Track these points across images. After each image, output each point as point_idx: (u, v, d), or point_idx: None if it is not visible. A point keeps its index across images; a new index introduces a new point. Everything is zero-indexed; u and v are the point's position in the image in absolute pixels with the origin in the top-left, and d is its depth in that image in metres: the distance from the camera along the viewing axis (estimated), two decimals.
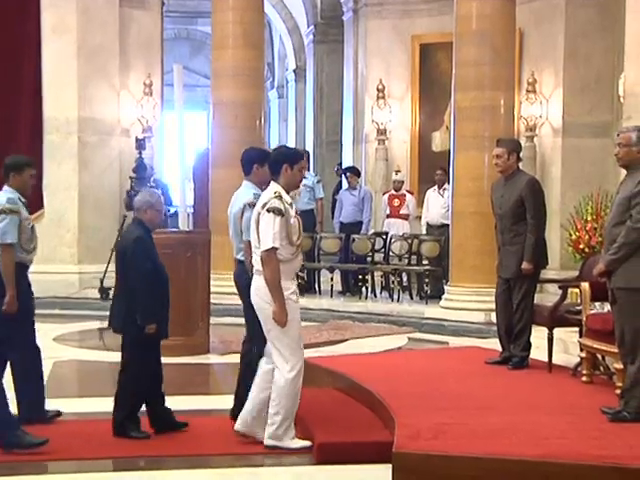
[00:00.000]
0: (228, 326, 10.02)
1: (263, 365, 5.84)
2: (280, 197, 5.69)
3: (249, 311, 5.94)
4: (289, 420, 5.70)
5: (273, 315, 5.60)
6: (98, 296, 12.26)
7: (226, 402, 6.41)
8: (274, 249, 5.59)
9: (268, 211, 5.63)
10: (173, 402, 6.21)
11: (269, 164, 5.91)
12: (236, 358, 6.72)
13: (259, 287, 5.69)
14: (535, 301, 7.74)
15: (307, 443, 5.69)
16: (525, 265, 7.53)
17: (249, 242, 5.91)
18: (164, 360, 6.19)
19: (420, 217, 13.45)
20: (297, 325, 5.74)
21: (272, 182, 5.81)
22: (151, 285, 5.93)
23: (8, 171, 6.31)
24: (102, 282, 12.20)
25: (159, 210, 6.20)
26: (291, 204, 5.79)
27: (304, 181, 12.90)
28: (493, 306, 8.04)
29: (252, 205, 5.98)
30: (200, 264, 8.87)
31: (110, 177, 13.49)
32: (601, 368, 7.29)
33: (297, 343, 5.71)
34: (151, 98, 13.93)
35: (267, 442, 5.71)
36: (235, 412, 6.08)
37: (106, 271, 12.05)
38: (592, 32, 12.64)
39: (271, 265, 5.59)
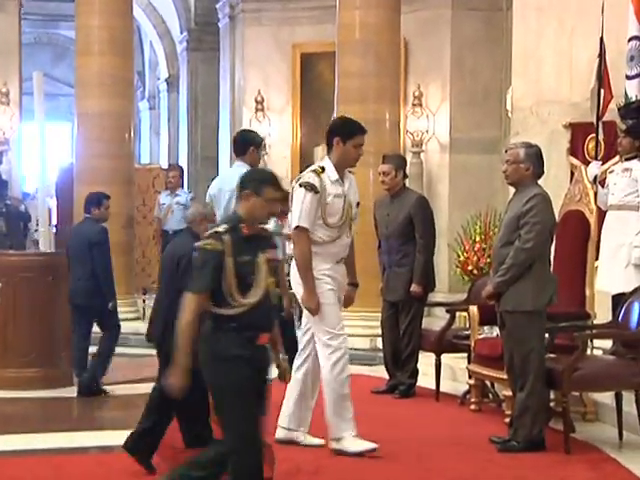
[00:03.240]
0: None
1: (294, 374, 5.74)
2: (319, 173, 5.48)
3: None
4: (338, 417, 5.60)
5: (302, 301, 5.44)
6: None
7: (91, 439, 6.28)
8: (302, 229, 5.40)
9: (300, 186, 5.45)
10: (32, 440, 6.05)
11: (326, 135, 5.75)
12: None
13: (294, 270, 5.61)
14: (422, 326, 7.86)
15: (372, 445, 5.56)
16: (415, 287, 7.64)
17: None
18: (20, 395, 6.03)
19: None
20: (334, 310, 5.60)
21: (326, 156, 5.66)
22: None
23: None
24: None
25: (213, 222, 6.28)
26: (337, 181, 5.56)
27: (177, 199, 12.95)
28: (379, 331, 8.14)
29: None
30: (63, 289, 8.68)
31: None
32: (490, 395, 7.45)
33: (335, 328, 5.61)
34: (8, 108, 13.63)
35: (332, 445, 5.66)
36: None
37: None
38: (479, 44, 12.97)
39: (299, 245, 5.41)
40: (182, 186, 13.89)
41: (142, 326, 10.82)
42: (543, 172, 6.07)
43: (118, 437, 5.83)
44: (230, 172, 7.02)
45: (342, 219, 5.55)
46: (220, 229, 4.28)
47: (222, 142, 16.31)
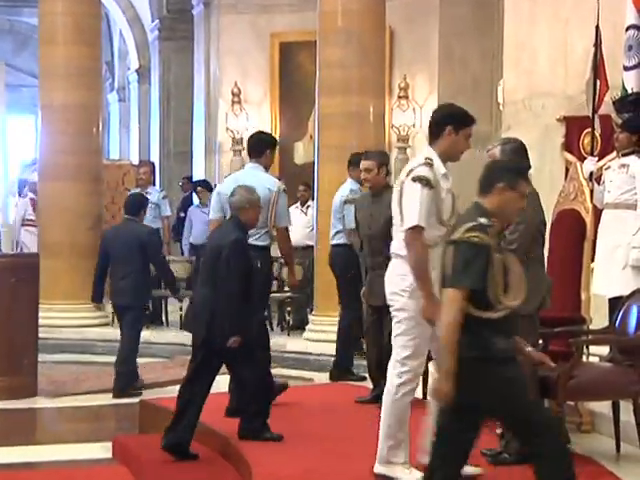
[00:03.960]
0: (60, 364, 9.78)
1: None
2: (431, 165, 5.23)
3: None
4: (393, 440, 5.47)
5: (422, 312, 5.11)
6: None
7: (57, 453, 6.25)
8: (419, 228, 5.13)
9: (413, 180, 5.16)
10: None
11: (430, 125, 5.50)
12: (70, 401, 6.58)
13: (393, 273, 5.33)
14: None
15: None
16: None
17: (282, 229, 6.57)
18: None
19: None
20: (426, 330, 5.25)
21: (427, 146, 5.45)
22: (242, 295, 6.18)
23: None
24: None
25: (261, 208, 6.51)
26: (445, 175, 5.36)
27: (148, 197, 12.90)
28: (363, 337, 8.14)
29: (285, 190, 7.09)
30: (26, 293, 8.64)
31: None
32: None
33: (418, 350, 5.33)
34: None
35: (376, 469, 5.46)
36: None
37: None
38: (468, 33, 13.00)
39: (416, 248, 5.10)
40: (154, 184, 13.87)
41: (111, 332, 10.81)
42: (528, 165, 6.03)
43: (83, 450, 5.82)
44: (245, 174, 7.35)
45: (451, 217, 5.30)
46: (483, 221, 4.12)
47: (196, 137, 16.30)
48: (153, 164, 14.61)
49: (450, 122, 5.40)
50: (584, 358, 6.82)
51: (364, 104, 11.10)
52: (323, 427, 6.85)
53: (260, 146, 7.28)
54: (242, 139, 14.81)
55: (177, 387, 6.45)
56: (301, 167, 14.45)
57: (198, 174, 15.72)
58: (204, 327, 6.21)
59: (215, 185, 14.05)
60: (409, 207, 5.19)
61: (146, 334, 11.90)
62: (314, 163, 11.60)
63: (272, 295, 12.47)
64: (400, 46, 13.50)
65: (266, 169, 7.37)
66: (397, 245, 5.38)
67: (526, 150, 6.10)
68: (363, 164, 7.96)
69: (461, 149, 5.49)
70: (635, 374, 6.10)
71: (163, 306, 12.99)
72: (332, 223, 9.63)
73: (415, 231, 5.16)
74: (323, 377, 9.86)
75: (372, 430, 6.84)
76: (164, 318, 12.94)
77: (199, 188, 13.62)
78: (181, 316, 12.55)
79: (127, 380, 8.66)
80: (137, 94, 21.58)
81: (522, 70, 9.69)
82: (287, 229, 7.52)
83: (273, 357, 10.80)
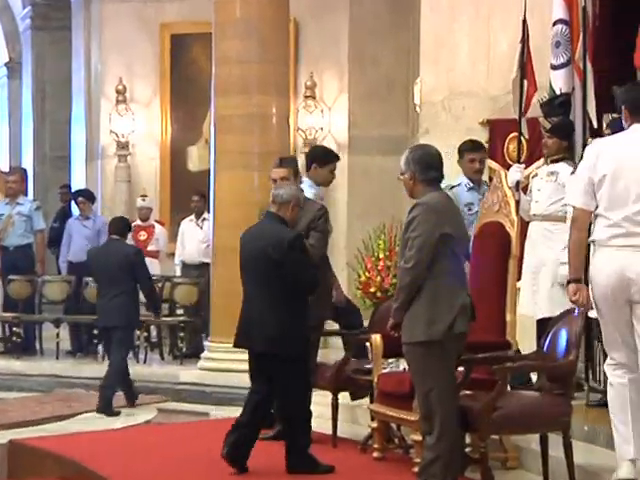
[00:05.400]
0: None
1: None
2: None
3: None
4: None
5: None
6: None
7: None
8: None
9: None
10: None
11: None
12: None
13: None
14: (317, 359, 7.90)
15: None
16: None
17: None
18: None
19: (173, 254, 13.45)
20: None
21: None
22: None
23: None
24: None
25: (301, 209, 7.09)
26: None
27: (18, 208, 12.77)
28: None
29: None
30: None
31: None
32: (396, 440, 7.53)
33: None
34: None
35: None
36: None
37: None
38: (382, 28, 13.13)
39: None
40: (25, 193, 13.71)
41: None
42: (435, 175, 6.09)
43: None
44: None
45: None
46: None
47: (75, 140, 16.14)
48: (25, 171, 14.45)
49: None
50: (509, 387, 6.93)
51: (266, 104, 11.13)
52: (215, 468, 6.83)
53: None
54: (128, 143, 14.73)
55: (57, 424, 6.39)
56: (196, 175, 14.42)
57: (78, 182, 15.56)
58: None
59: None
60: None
61: (16, 365, 11.79)
62: (210, 170, 11.59)
63: (163, 319, 12.45)
64: (306, 40, 13.56)
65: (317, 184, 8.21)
66: None
67: (437, 158, 6.14)
68: (276, 172, 8.01)
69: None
70: (566, 404, 6.20)
71: (37, 333, 12.83)
72: None
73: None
74: (221, 411, 9.86)
75: (273, 470, 6.86)
76: (38, 346, 12.77)
77: (80, 198, 13.49)
78: (57, 344, 12.43)
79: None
80: (7, 91, 21.29)
81: (441, 68, 9.83)
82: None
83: (164, 390, 10.84)
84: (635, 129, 5.83)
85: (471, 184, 8.48)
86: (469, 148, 8.56)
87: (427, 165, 6.06)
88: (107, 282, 10.07)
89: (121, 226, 10.37)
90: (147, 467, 6.87)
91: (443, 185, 6.30)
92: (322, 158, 8.36)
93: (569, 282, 5.85)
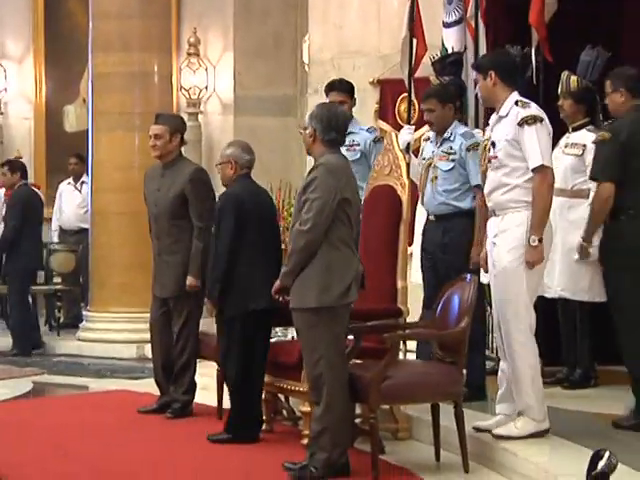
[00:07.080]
0: None
1: None
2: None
3: None
4: None
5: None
6: None
7: None
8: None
9: (529, 124, 6.09)
10: None
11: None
12: None
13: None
14: (202, 328, 7.87)
15: None
16: (190, 280, 7.63)
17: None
18: None
19: (50, 219, 13.26)
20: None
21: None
22: None
23: None
24: None
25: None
26: None
27: None
28: (148, 336, 8.09)
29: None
30: None
31: None
32: (284, 412, 7.55)
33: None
34: None
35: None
36: None
37: None
38: None
39: (547, 188, 6.15)
40: None
41: None
42: (336, 137, 6.09)
43: None
44: None
45: None
46: None
47: None
48: None
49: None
50: (400, 355, 6.98)
51: (147, 62, 11.04)
52: (97, 445, 6.86)
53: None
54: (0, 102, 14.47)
55: None
56: (73, 136, 14.20)
57: None
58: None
59: None
60: (534, 148, 6.08)
61: None
62: (88, 131, 11.44)
63: (38, 288, 12.28)
64: None
65: None
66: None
67: (342, 120, 6.15)
68: (153, 129, 7.91)
69: None
70: (457, 373, 6.26)
71: None
72: None
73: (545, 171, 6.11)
74: (100, 384, 9.77)
75: (154, 444, 6.82)
76: None
77: None
78: None
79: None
80: None
81: (330, 26, 9.82)
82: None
83: (40, 363, 10.71)
84: None
85: None
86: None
87: (329, 125, 6.07)
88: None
89: None
90: (24, 445, 6.79)
91: None
92: None
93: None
